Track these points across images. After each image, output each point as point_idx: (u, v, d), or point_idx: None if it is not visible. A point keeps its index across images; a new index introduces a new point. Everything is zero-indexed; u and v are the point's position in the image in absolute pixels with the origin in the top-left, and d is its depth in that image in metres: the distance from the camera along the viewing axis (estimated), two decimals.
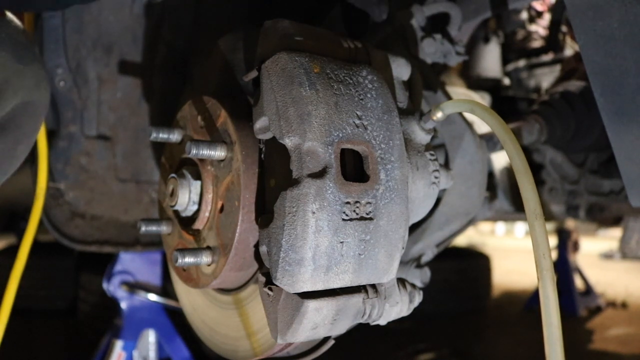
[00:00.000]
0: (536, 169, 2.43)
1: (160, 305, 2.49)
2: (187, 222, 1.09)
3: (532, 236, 0.84)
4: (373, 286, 0.93)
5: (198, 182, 1.04)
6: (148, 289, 2.45)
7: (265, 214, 0.90)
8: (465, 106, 0.94)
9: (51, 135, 1.57)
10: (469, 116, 1.36)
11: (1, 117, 1.01)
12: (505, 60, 2.96)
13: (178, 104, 1.23)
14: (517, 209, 2.29)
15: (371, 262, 0.87)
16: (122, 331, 2.42)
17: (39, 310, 4.60)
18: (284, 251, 0.80)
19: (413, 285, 1.03)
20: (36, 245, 1.66)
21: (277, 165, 0.92)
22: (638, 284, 7.12)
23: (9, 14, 1.07)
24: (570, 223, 5.74)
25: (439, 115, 0.99)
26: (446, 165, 1.31)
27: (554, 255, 5.60)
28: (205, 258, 1.01)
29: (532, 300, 5.55)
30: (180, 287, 1.33)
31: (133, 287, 2.42)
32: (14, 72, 1.01)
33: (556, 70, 2.75)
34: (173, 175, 1.07)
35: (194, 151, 0.95)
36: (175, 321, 2.54)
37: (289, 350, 1.05)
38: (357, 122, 0.87)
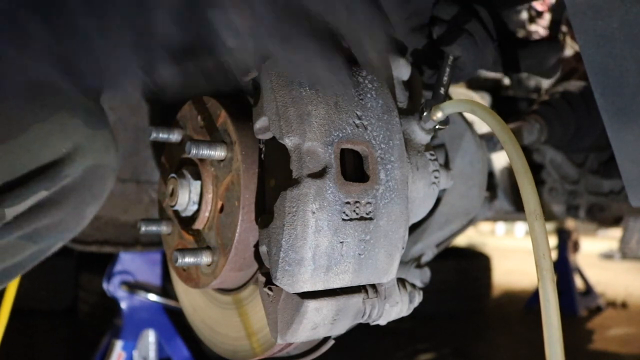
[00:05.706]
0: (536, 169, 2.43)
1: (160, 305, 2.49)
2: (187, 222, 1.09)
3: (532, 236, 0.83)
4: (373, 286, 0.93)
5: (198, 182, 1.04)
6: (148, 289, 2.45)
7: (265, 214, 0.90)
8: (465, 106, 0.94)
9: None
10: (469, 116, 1.36)
11: (73, 179, 1.04)
12: None
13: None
14: (517, 209, 2.29)
15: (371, 262, 0.87)
16: (122, 331, 2.42)
17: (39, 310, 4.60)
18: (284, 251, 0.80)
19: (413, 285, 1.03)
20: None
21: (277, 165, 0.92)
22: (638, 284, 7.12)
23: None
24: (570, 223, 5.74)
25: (439, 115, 0.99)
26: (446, 165, 1.31)
27: (554, 255, 5.60)
28: (205, 258, 1.01)
29: (532, 300, 5.55)
30: (180, 287, 1.33)
31: (133, 287, 2.42)
32: (85, 137, 1.04)
33: None
34: (173, 175, 1.07)
35: (193, 151, 0.95)
36: (175, 321, 2.54)
37: (289, 350, 1.05)
38: (357, 122, 0.87)
